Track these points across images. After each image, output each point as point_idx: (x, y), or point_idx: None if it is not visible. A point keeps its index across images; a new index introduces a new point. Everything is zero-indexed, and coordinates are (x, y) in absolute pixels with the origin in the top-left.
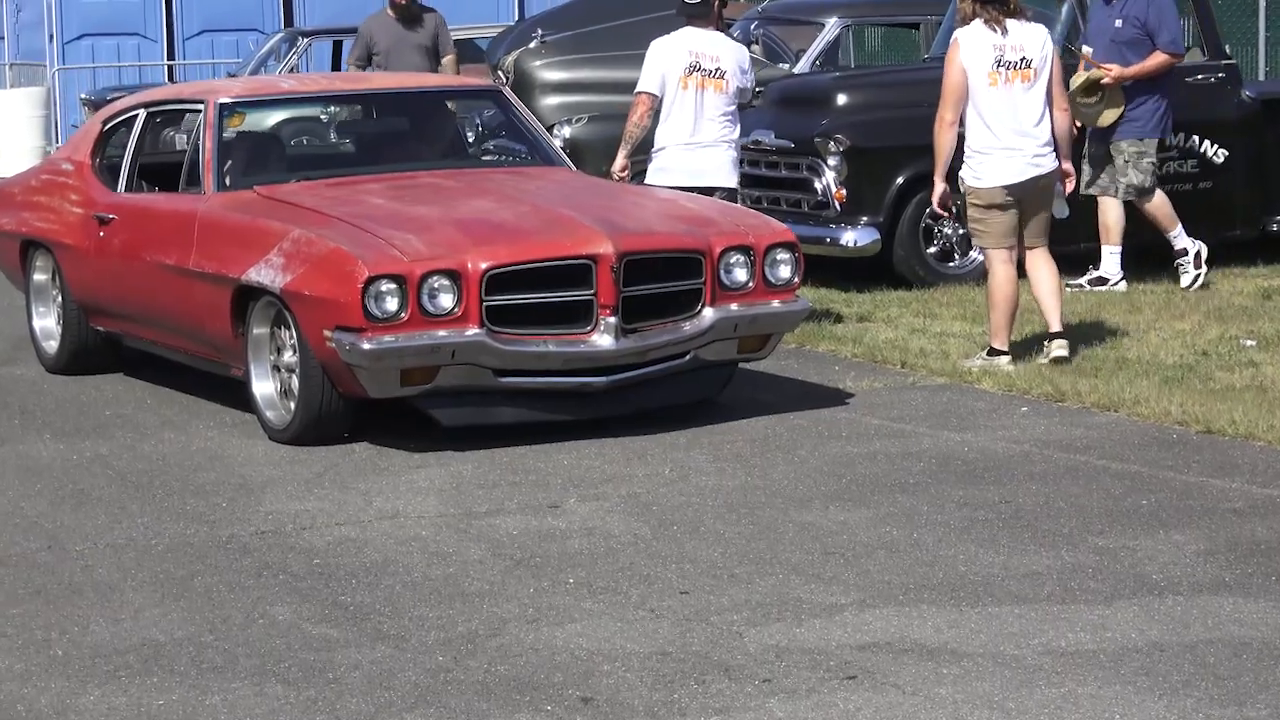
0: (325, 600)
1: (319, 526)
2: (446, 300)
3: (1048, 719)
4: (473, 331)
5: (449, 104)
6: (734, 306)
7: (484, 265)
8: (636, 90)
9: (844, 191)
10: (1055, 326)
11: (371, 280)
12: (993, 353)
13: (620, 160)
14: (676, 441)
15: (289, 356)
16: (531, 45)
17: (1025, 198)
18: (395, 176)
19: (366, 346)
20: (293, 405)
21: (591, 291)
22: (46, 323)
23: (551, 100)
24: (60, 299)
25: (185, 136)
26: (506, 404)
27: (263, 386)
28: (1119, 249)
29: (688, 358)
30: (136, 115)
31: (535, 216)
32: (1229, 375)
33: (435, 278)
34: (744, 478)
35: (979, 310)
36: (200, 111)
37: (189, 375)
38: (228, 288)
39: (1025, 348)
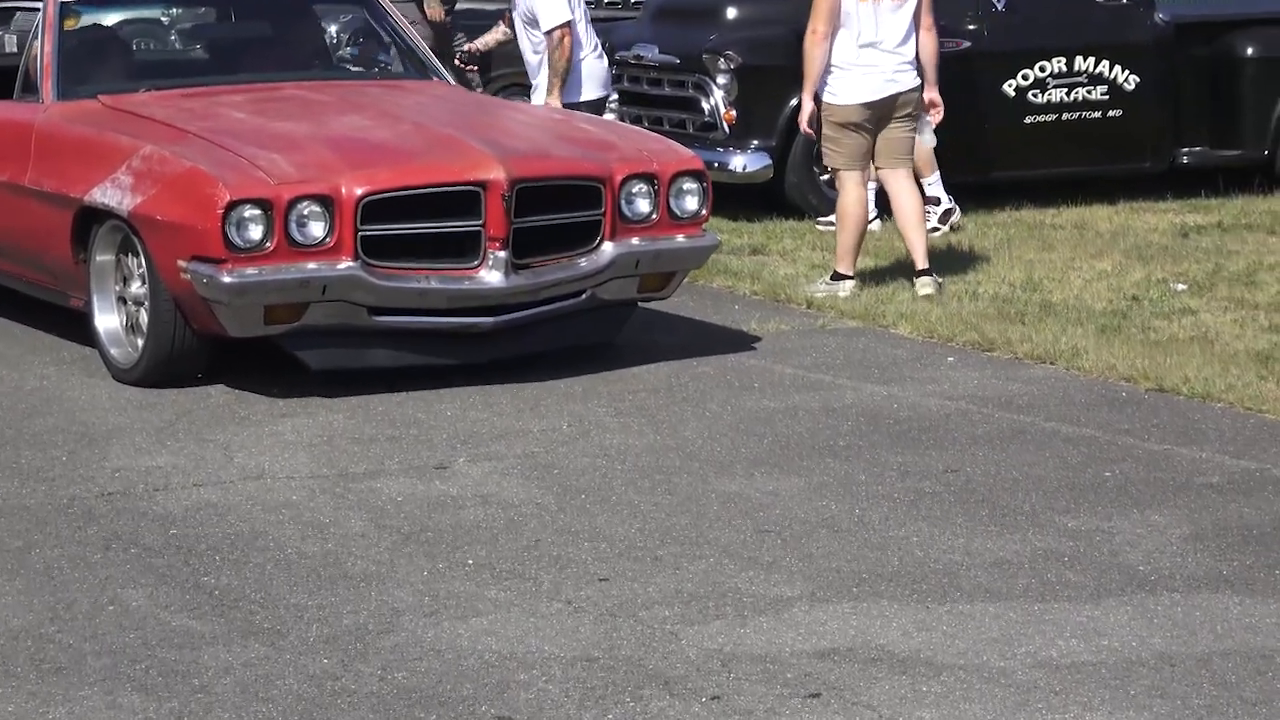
0: (185, 582)
1: (174, 488)
2: (317, 229)
3: None
4: (346, 264)
5: (313, 8)
6: (635, 241)
7: (359, 190)
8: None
9: (734, 113)
10: (921, 263)
11: (233, 205)
12: (836, 277)
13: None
14: (571, 390)
15: (137, 287)
16: None
17: (883, 116)
18: (256, 88)
19: (227, 280)
20: (140, 342)
21: (479, 222)
22: None
23: None
24: None
25: (16, 38)
26: (382, 346)
27: (106, 320)
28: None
29: (584, 296)
30: None
31: (417, 136)
32: (1167, 324)
33: (305, 203)
34: (652, 436)
35: (877, 244)
36: (38, 10)
37: (21, 303)
38: (68, 209)
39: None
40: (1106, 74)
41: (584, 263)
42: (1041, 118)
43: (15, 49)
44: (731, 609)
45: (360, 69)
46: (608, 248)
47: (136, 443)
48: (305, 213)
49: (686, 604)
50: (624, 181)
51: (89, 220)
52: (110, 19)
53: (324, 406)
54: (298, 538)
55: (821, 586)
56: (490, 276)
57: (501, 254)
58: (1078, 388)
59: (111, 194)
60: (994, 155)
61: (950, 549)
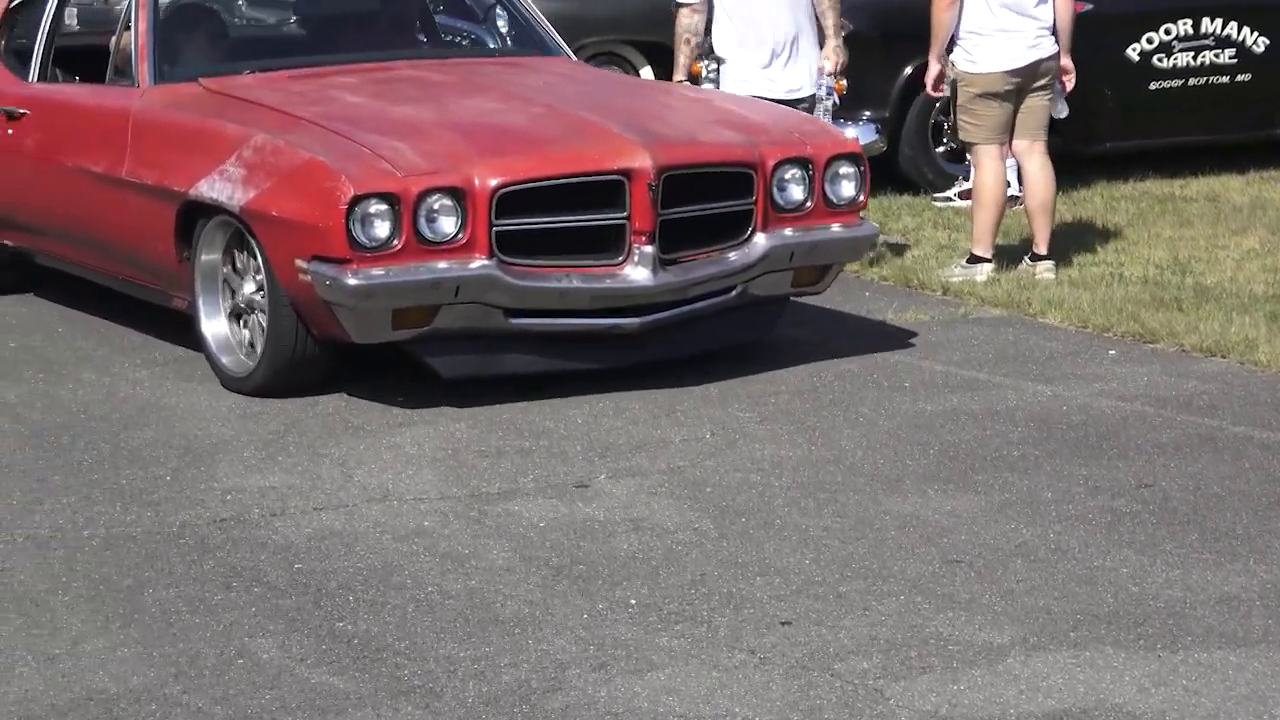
0: (319, 629)
1: (292, 512)
2: (448, 224)
3: None
4: (480, 263)
5: None
6: (789, 231)
7: (494, 181)
8: None
9: (844, 83)
10: (1042, 247)
11: (357, 200)
12: (973, 260)
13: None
14: (707, 394)
15: (250, 290)
16: None
17: (1023, 85)
18: (368, 68)
19: (352, 282)
20: (257, 349)
21: (624, 214)
22: None
23: None
24: None
25: (78, 11)
26: (518, 351)
27: (214, 325)
28: None
29: (734, 293)
30: None
31: (552, 121)
32: None
33: (435, 197)
34: (805, 446)
35: (1005, 223)
36: None
37: (110, 298)
38: (172, 203)
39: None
40: (1234, 36)
41: (734, 256)
42: (1167, 83)
43: (76, 25)
44: (937, 659)
45: (476, 46)
46: (760, 240)
47: (245, 458)
48: (435, 207)
49: (885, 654)
50: (776, 167)
51: (195, 215)
52: None
53: (443, 415)
54: (437, 573)
55: (1033, 631)
56: (636, 273)
57: (648, 249)
58: (1259, 385)
59: (221, 187)
60: (1117, 124)
61: (1168, 583)
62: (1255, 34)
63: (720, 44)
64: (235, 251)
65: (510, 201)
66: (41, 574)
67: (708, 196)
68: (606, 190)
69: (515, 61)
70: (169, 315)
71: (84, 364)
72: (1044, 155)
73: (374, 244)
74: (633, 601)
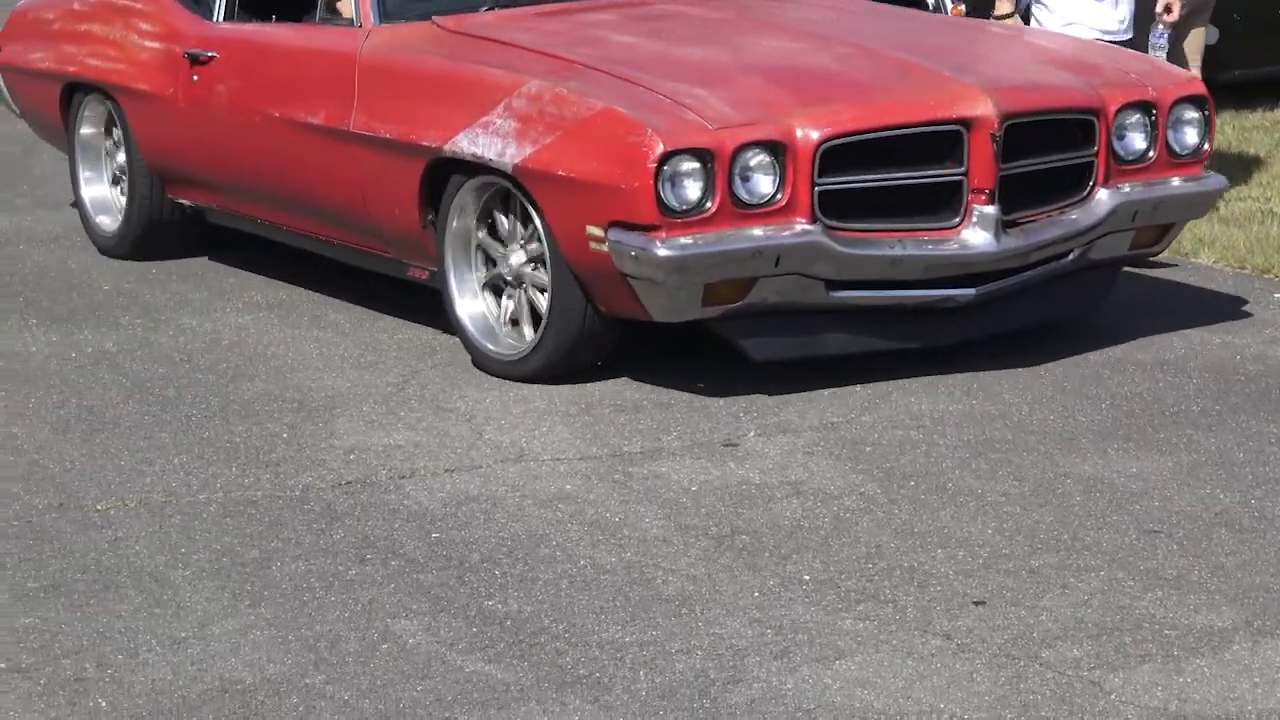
0: (466, 608)
1: (421, 474)
2: (765, 184)
3: None
4: (804, 228)
5: None
6: (1129, 187)
7: (817, 134)
8: None
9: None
10: None
11: (668, 157)
12: None
13: None
14: None
15: (519, 260)
16: None
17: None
18: (619, 3)
19: (663, 252)
20: (523, 329)
21: (961, 170)
22: (98, 190)
23: None
24: (125, 161)
25: None
26: (835, 329)
27: (469, 304)
28: None
29: (1071, 257)
30: None
31: (867, 63)
32: None
33: (751, 152)
34: (965, 401)
35: None
36: None
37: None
38: (417, 160)
39: None
40: None
41: (1077, 215)
42: None
43: None
44: (1155, 646)
45: None
46: (1103, 196)
47: (365, 413)
48: (751, 164)
49: (1096, 639)
50: (1118, 112)
51: (446, 174)
52: None
53: None
54: (588, 544)
55: (1255, 613)
56: (975, 237)
57: (989, 210)
58: None
59: (485, 142)
60: (1247, 50)
61: None
62: None
63: None
64: (498, 216)
65: (834, 157)
66: (159, 544)
67: (1047, 148)
68: (942, 142)
69: None
70: (265, 251)
71: (183, 308)
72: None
73: (685, 208)
74: (806, 577)
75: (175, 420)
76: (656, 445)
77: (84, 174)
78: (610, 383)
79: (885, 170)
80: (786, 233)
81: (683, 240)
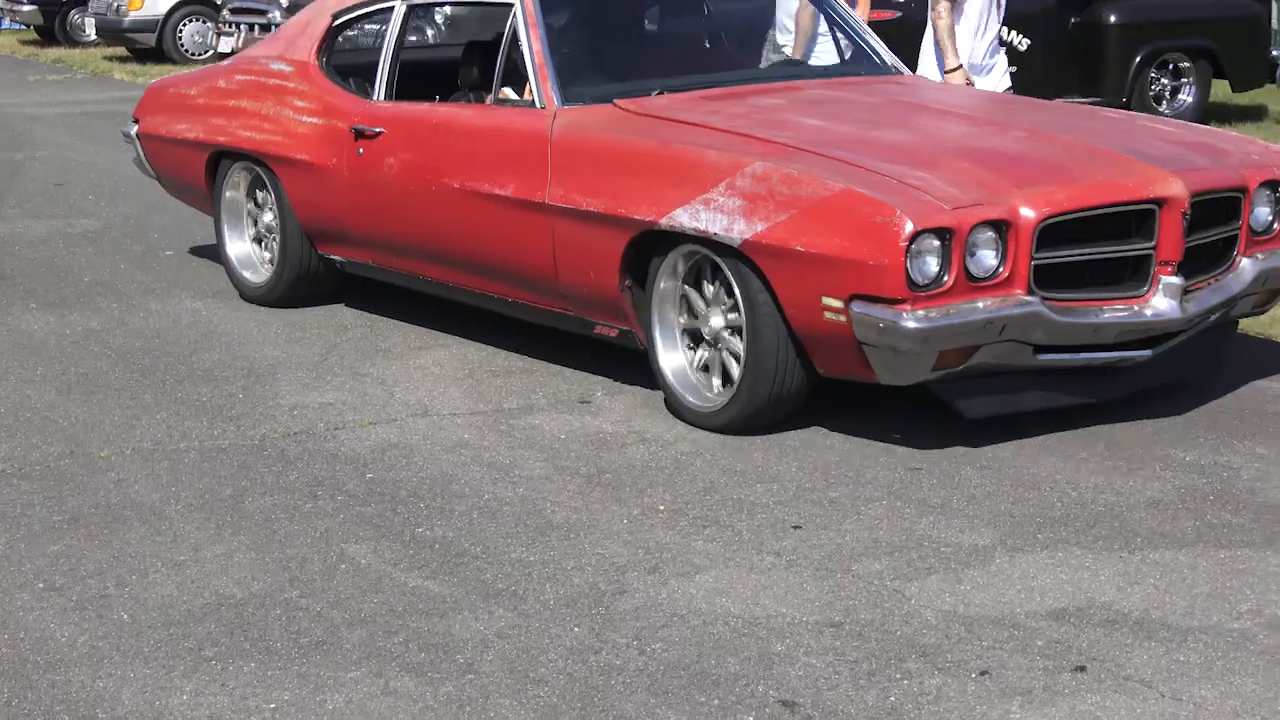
0: (402, 534)
1: (351, 426)
2: (991, 259)
3: None
4: (1025, 299)
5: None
6: (1260, 255)
7: (1036, 213)
8: None
9: None
10: None
11: (917, 235)
12: None
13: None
14: None
15: (719, 323)
16: None
17: None
18: (774, 88)
19: (912, 325)
20: (712, 381)
21: (1151, 244)
22: (242, 247)
23: None
24: (273, 221)
25: (426, 36)
26: (1035, 388)
27: (671, 358)
28: None
29: (1214, 317)
30: (391, 10)
31: (1051, 148)
32: None
33: (981, 230)
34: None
35: None
36: (507, 6)
37: (153, 241)
38: (624, 231)
39: None
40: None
41: (1229, 281)
42: None
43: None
44: (936, 561)
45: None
46: (1245, 264)
47: (300, 378)
48: (980, 241)
49: (891, 555)
50: (1255, 190)
51: (650, 243)
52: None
53: (454, 340)
54: (489, 481)
55: (1007, 533)
56: (1162, 304)
57: (1175, 280)
58: None
59: (707, 218)
60: None
61: (1097, 487)
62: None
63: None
64: (703, 282)
65: (1050, 233)
66: (152, 484)
67: (1213, 223)
68: (1138, 219)
69: (900, 80)
70: (205, 251)
71: (149, 295)
72: None
73: (926, 282)
74: (660, 508)
75: (154, 384)
76: (529, 403)
77: (228, 233)
78: (487, 352)
79: (1088, 245)
80: (1012, 305)
81: (927, 312)
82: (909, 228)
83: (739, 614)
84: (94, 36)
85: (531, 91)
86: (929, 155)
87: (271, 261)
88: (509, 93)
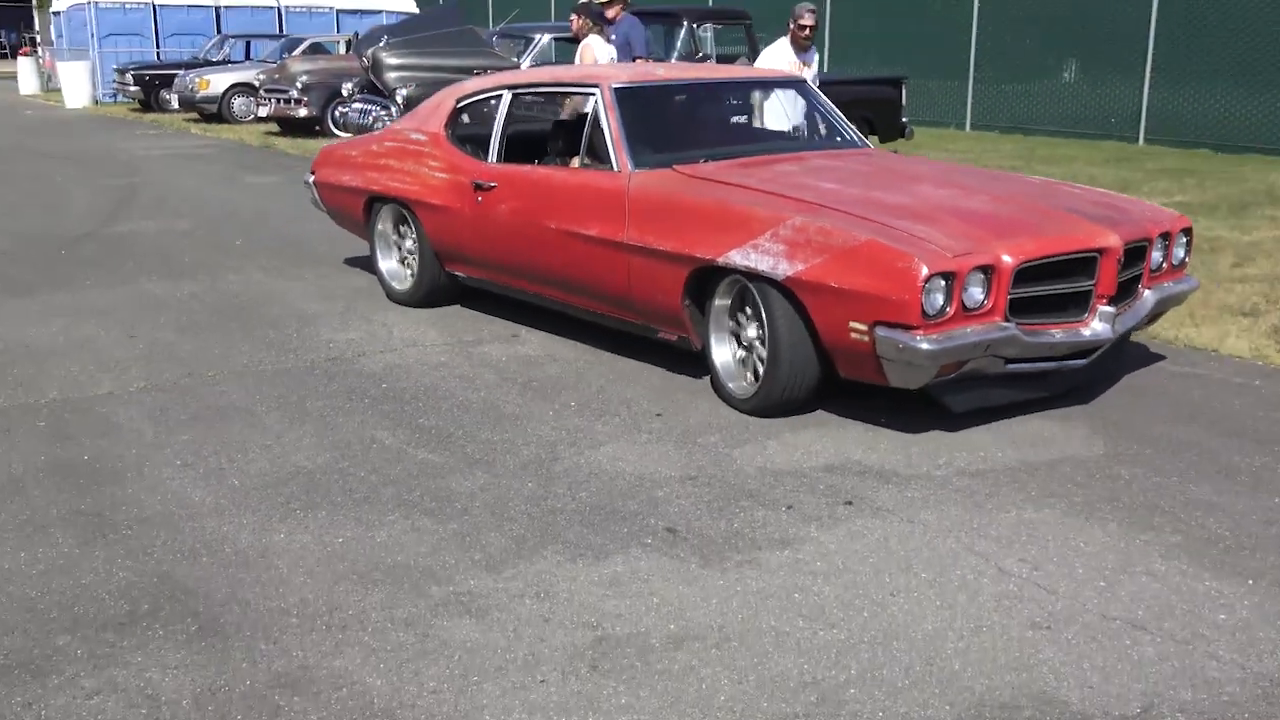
0: (410, 423)
1: (369, 354)
2: (979, 294)
3: (1016, 538)
4: (1004, 325)
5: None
6: (1155, 287)
7: (1014, 260)
8: None
9: None
10: None
11: (930, 277)
12: None
13: None
14: None
15: (753, 333)
16: (382, 44)
17: None
18: (785, 158)
19: (926, 346)
20: (747, 375)
21: (1093, 282)
22: (390, 264)
23: (394, 74)
24: (415, 247)
25: (520, 112)
26: (1002, 386)
27: (722, 354)
28: None
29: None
30: (500, 95)
31: (1019, 209)
32: None
33: (975, 273)
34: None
35: None
36: (592, 94)
37: (209, 228)
38: (684, 266)
39: None
40: None
41: (1138, 306)
42: None
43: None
44: (749, 435)
45: (814, 139)
46: (1148, 294)
47: (332, 323)
48: (973, 281)
49: (722, 433)
50: (1155, 239)
51: (710, 275)
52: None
53: None
54: (461, 388)
55: (793, 421)
56: (1099, 327)
57: (1109, 308)
58: None
59: (758, 258)
60: None
61: (851, 392)
62: None
63: None
64: (744, 303)
65: (1022, 275)
66: (245, 394)
67: (1129, 265)
68: (1083, 264)
69: (869, 152)
70: (261, 240)
71: (228, 270)
72: None
73: (934, 313)
74: (573, 403)
75: (238, 327)
76: (479, 337)
77: (380, 255)
78: (453, 309)
79: (1047, 283)
80: (995, 330)
81: (937, 337)
82: (924, 271)
83: (631, 472)
84: (176, 106)
85: (611, 158)
86: (924, 213)
87: (412, 276)
88: (579, 160)
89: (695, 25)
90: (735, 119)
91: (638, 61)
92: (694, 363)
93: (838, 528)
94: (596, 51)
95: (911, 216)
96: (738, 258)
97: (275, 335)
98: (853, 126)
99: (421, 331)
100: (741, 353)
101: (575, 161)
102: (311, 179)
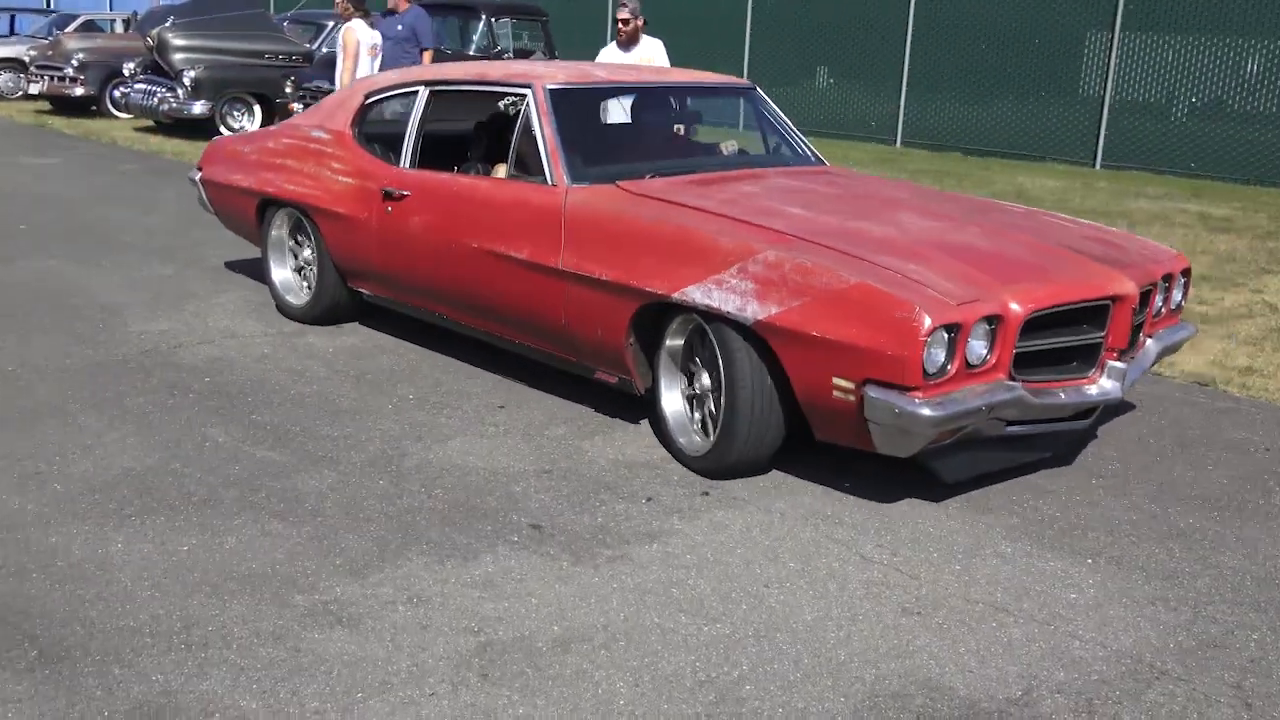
0: (243, 420)
1: (186, 345)
2: (982, 349)
3: (870, 524)
4: (1009, 385)
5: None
6: (1156, 334)
7: (1023, 309)
8: None
9: None
10: None
11: (934, 330)
12: None
13: None
14: None
15: (706, 380)
16: (168, 24)
17: None
18: (744, 175)
19: (928, 412)
20: (705, 428)
21: (1103, 333)
22: (284, 275)
23: (180, 55)
24: (312, 259)
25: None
26: (998, 449)
27: (672, 402)
28: None
29: None
30: (416, 92)
31: (1019, 248)
32: None
33: (981, 324)
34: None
35: None
36: (523, 95)
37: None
38: (633, 300)
39: None
40: None
41: (1141, 357)
42: None
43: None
44: (596, 427)
45: (768, 155)
46: (1150, 343)
47: (141, 314)
48: (978, 333)
49: (568, 424)
50: (1160, 281)
51: (661, 312)
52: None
53: (236, 284)
54: (291, 381)
55: (637, 412)
56: (1108, 385)
57: (1119, 363)
58: None
59: (722, 297)
60: None
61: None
62: None
63: None
64: (697, 345)
65: (1030, 326)
66: (54, 391)
67: (1139, 310)
68: (1094, 313)
69: (832, 171)
70: (50, 227)
71: (15, 257)
72: None
73: (935, 371)
74: (410, 396)
75: (37, 320)
76: (300, 327)
77: (273, 264)
78: (262, 293)
79: (1055, 334)
80: (1002, 391)
81: (937, 399)
82: (927, 323)
83: (483, 467)
84: None
85: (545, 170)
86: (913, 249)
87: (309, 290)
88: (506, 169)
89: (494, 19)
90: (676, 128)
91: (423, 55)
92: (532, 365)
93: (699, 519)
94: (359, 34)
95: (900, 253)
96: (697, 294)
97: (81, 328)
98: (805, 140)
99: (238, 322)
100: (692, 401)
101: (501, 170)
102: (198, 176)
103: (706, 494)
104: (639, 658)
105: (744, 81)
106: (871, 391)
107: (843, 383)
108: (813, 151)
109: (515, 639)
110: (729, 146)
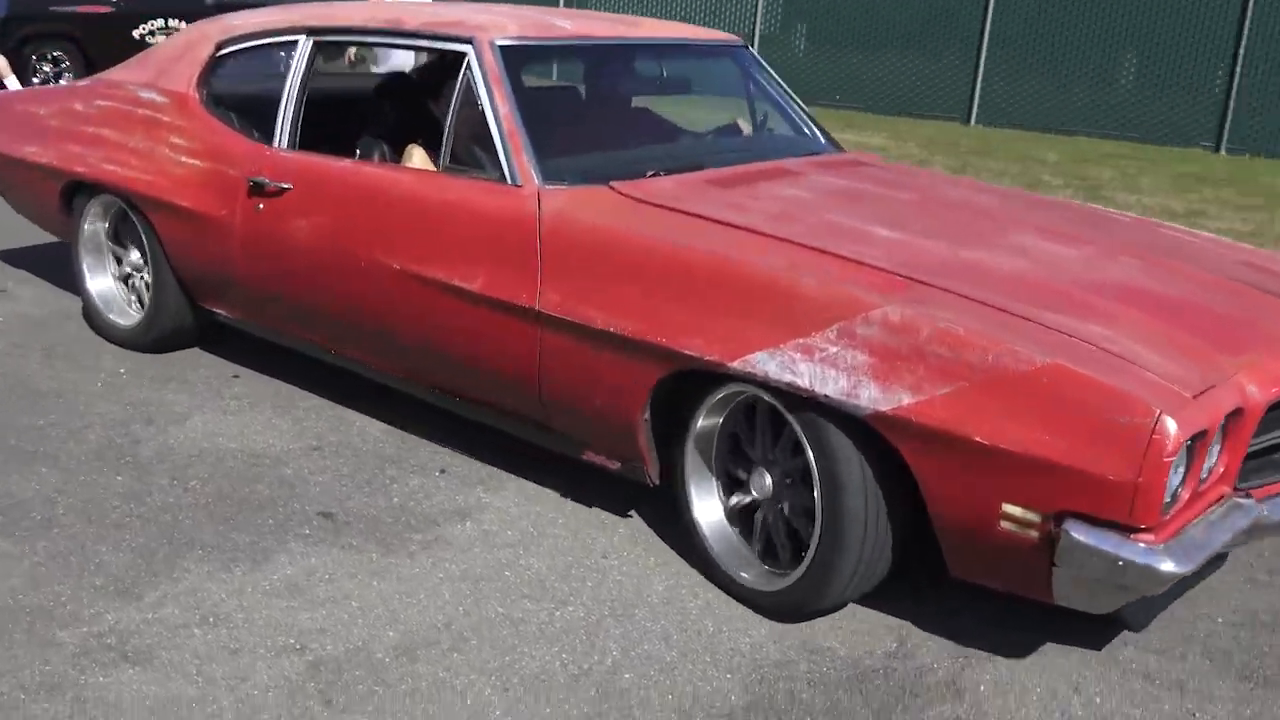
0: None
1: None
2: (1213, 456)
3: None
4: (1246, 504)
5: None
6: None
7: (1263, 394)
8: None
9: None
10: None
11: (1181, 445)
12: None
13: None
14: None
15: (769, 481)
16: None
17: None
18: (770, 169)
19: (1171, 567)
20: (775, 556)
21: None
22: (104, 284)
23: None
24: (143, 265)
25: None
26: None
27: (708, 511)
28: None
29: None
30: (295, 42)
31: (1205, 289)
32: None
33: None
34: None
35: None
36: (462, 54)
37: None
38: (654, 363)
39: None
40: None
41: None
42: None
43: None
44: (353, 391)
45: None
46: None
47: None
48: (1217, 437)
49: (321, 387)
50: None
51: (696, 381)
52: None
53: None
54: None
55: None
56: None
57: None
58: None
59: (812, 372)
60: None
61: None
62: None
63: None
64: (743, 429)
65: (1268, 418)
66: None
67: None
68: None
69: (860, 158)
70: None
71: None
72: None
73: (1170, 500)
74: (122, 370)
75: None
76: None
77: (88, 269)
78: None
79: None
80: (1240, 517)
81: (1178, 546)
82: (1173, 432)
83: (239, 449)
84: None
85: (501, 162)
86: (1080, 298)
87: (140, 305)
88: (419, 153)
89: None
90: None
91: None
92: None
93: (506, 488)
94: None
95: (1068, 306)
96: (771, 366)
97: None
98: (810, 114)
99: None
100: (740, 500)
101: (416, 154)
102: None
103: (501, 457)
104: (497, 657)
105: (732, 38)
106: (1075, 530)
107: (1018, 512)
108: (823, 131)
109: (348, 652)
110: (743, 125)
